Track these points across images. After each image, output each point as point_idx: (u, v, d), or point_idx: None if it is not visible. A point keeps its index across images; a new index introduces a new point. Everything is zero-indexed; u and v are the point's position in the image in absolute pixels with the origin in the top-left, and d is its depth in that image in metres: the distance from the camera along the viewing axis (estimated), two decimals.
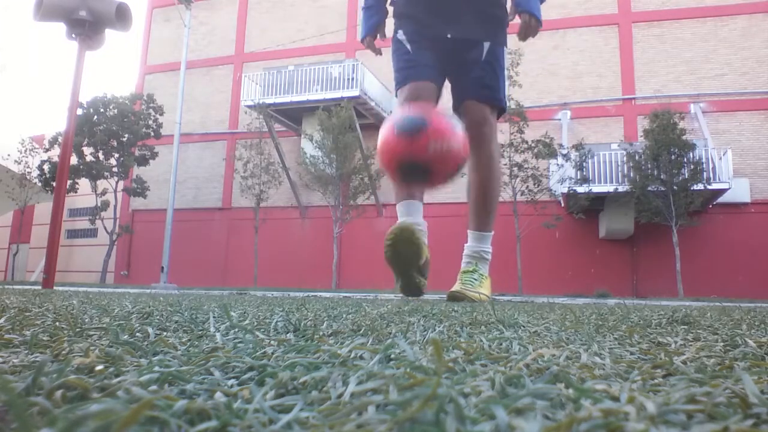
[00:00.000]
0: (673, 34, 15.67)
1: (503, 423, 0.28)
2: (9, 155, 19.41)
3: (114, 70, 75.44)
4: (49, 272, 5.03)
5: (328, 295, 3.98)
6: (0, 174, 18.94)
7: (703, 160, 12.95)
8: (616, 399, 0.36)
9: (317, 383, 0.41)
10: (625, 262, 14.78)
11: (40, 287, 4.64)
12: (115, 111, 17.33)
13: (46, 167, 17.79)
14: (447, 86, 3.22)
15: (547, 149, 13.45)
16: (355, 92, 15.26)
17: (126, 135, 17.31)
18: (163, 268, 14.86)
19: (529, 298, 5.15)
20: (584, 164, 13.48)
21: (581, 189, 13.37)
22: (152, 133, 17.76)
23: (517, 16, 3.06)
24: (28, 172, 19.34)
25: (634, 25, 15.96)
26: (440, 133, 2.20)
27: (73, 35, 5.13)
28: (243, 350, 0.57)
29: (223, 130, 19.27)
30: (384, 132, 2.28)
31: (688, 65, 15.40)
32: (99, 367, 0.46)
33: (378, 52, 3.38)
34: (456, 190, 13.17)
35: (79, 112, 16.17)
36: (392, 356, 0.54)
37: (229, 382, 0.43)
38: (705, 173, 12.86)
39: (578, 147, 13.53)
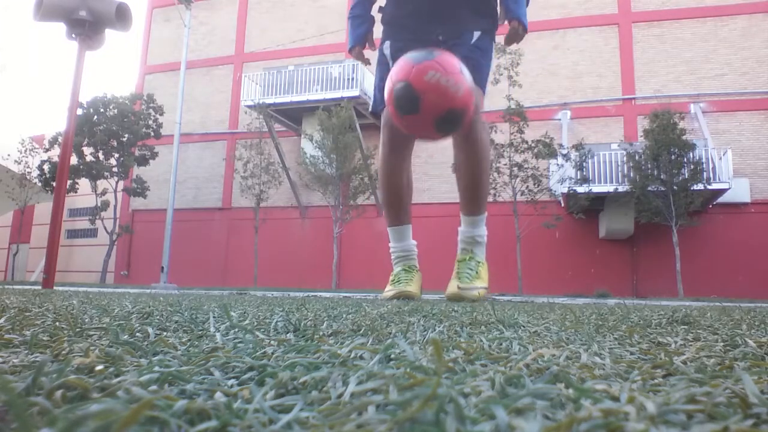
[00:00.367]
0: (673, 34, 15.67)
1: (503, 423, 0.28)
2: (9, 155, 19.41)
3: (114, 70, 75.45)
4: (49, 272, 5.03)
5: (328, 295, 3.98)
6: (0, 174, 18.94)
7: (703, 160, 12.94)
8: (616, 399, 0.36)
9: (317, 383, 0.41)
10: (625, 262, 14.78)
11: (40, 287, 4.64)
12: (115, 111, 17.32)
13: (46, 167, 17.79)
14: None
15: (547, 149, 13.44)
16: (355, 92, 15.25)
17: (126, 135, 17.31)
18: (163, 268, 14.86)
19: (529, 298, 5.15)
20: (584, 164, 13.48)
21: (581, 189, 13.37)
22: (152, 133, 17.76)
23: (506, 22, 3.14)
24: (28, 172, 19.34)
25: (634, 25, 15.96)
26: (443, 68, 2.24)
27: (73, 35, 5.13)
28: (243, 350, 0.57)
29: (223, 130, 19.27)
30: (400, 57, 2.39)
31: (688, 65, 15.40)
32: (99, 367, 0.46)
33: (367, 62, 3.35)
34: (454, 190, 13.12)
35: (79, 112, 16.17)
36: (392, 356, 0.54)
37: (229, 382, 0.43)
38: (705, 173, 12.85)
39: (578, 147, 13.52)
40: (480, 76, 3.06)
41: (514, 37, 3.11)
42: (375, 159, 15.05)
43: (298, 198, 17.24)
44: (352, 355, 0.54)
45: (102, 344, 0.61)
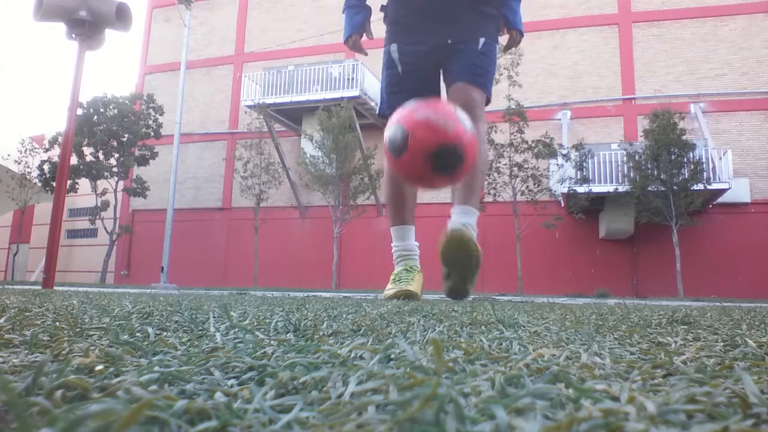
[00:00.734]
0: (673, 34, 15.67)
1: (503, 423, 0.28)
2: (9, 155, 19.42)
3: (114, 70, 75.43)
4: (49, 272, 5.03)
5: (328, 295, 3.98)
6: (0, 174, 18.95)
7: (703, 160, 12.94)
8: (616, 399, 0.36)
9: (317, 383, 0.41)
10: (625, 262, 14.78)
11: (40, 287, 4.64)
12: (115, 111, 17.33)
13: (46, 167, 17.80)
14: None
15: (547, 149, 13.44)
16: (355, 92, 15.25)
17: (126, 135, 17.32)
18: (163, 268, 14.86)
19: (529, 298, 5.15)
20: (584, 164, 13.48)
21: (581, 189, 13.37)
22: (152, 133, 17.76)
23: (505, 32, 3.28)
24: (28, 172, 19.34)
25: (634, 25, 15.96)
26: (433, 108, 2.24)
27: (73, 35, 5.14)
28: (243, 350, 0.57)
29: (223, 130, 19.27)
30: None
31: (688, 65, 15.40)
32: (99, 367, 0.46)
33: (364, 52, 3.28)
34: None
35: (79, 112, 16.17)
36: (392, 356, 0.54)
37: (229, 382, 0.43)
38: (705, 173, 12.85)
39: (578, 147, 13.52)
40: (486, 81, 3.12)
41: (512, 44, 3.31)
42: (375, 159, 15.07)
43: (298, 198, 17.24)
44: (352, 355, 0.54)
45: (102, 344, 0.61)
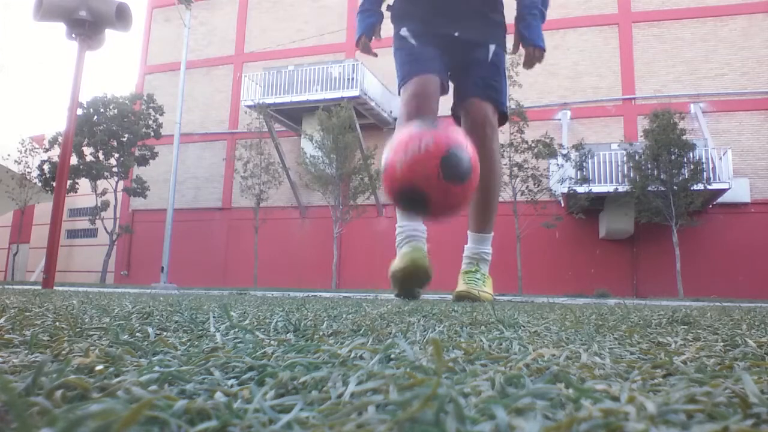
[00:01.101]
0: (673, 34, 15.67)
1: (503, 423, 0.28)
2: (9, 155, 19.43)
3: (114, 70, 75.43)
4: (49, 272, 5.03)
5: (328, 295, 3.98)
6: (0, 174, 18.95)
7: (703, 160, 12.94)
8: (616, 399, 0.36)
9: (317, 383, 0.41)
10: (625, 262, 14.78)
11: (40, 287, 4.64)
12: (115, 111, 17.33)
13: (46, 167, 17.80)
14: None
15: (547, 149, 13.44)
16: (355, 92, 15.25)
17: (126, 135, 17.32)
18: (163, 268, 14.86)
19: (529, 298, 5.15)
20: (584, 164, 13.48)
21: (581, 189, 13.37)
22: (152, 133, 17.76)
23: (521, 47, 3.13)
24: (28, 172, 19.34)
25: (634, 25, 15.96)
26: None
27: (73, 35, 5.14)
28: (243, 350, 0.57)
29: (223, 130, 19.27)
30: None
31: (688, 65, 15.40)
32: (99, 367, 0.46)
33: (374, 53, 3.27)
34: None
35: (79, 112, 16.17)
36: (392, 356, 0.54)
37: (229, 382, 0.43)
38: (705, 173, 12.85)
39: (578, 147, 13.52)
40: (499, 96, 3.04)
41: (532, 60, 3.13)
42: (375, 159, 15.06)
43: (298, 198, 17.23)
44: (352, 355, 0.54)
45: (102, 344, 0.61)
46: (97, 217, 17.53)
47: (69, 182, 14.07)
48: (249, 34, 19.64)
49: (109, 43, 6.70)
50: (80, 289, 4.71)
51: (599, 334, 0.87)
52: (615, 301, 4.34)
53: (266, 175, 16.31)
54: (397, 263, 2.83)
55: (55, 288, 4.65)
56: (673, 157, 12.89)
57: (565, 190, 13.63)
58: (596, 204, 14.09)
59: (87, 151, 17.33)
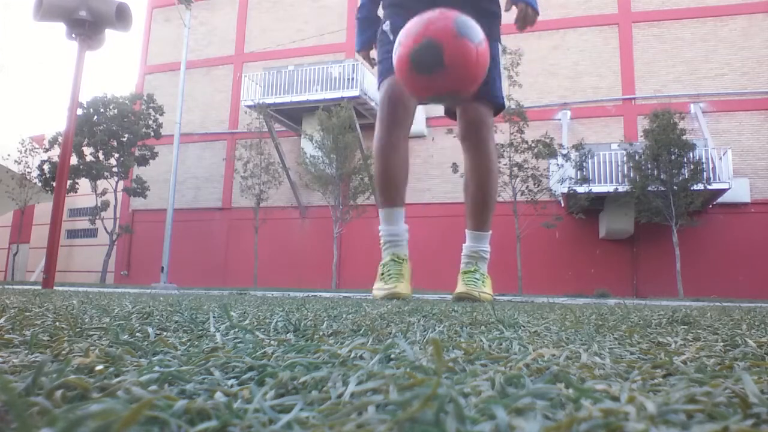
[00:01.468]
0: (673, 34, 15.67)
1: (503, 423, 0.28)
2: (9, 155, 19.43)
3: (114, 70, 75.43)
4: (49, 272, 5.03)
5: (328, 295, 3.98)
6: (0, 174, 18.95)
7: (703, 160, 12.94)
8: (616, 399, 0.36)
9: (317, 383, 0.41)
10: (625, 262, 14.78)
11: (40, 287, 4.64)
12: (115, 111, 17.33)
13: (46, 167, 17.80)
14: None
15: (547, 149, 13.44)
16: (355, 92, 15.26)
17: (126, 135, 17.32)
18: (163, 268, 14.86)
19: (529, 298, 5.15)
20: (584, 164, 13.48)
21: (581, 189, 13.37)
22: (152, 133, 17.77)
23: (513, 6, 2.98)
24: (28, 172, 19.35)
25: (634, 25, 15.96)
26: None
27: (73, 35, 5.14)
28: (243, 350, 0.57)
29: (223, 130, 19.27)
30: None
31: (688, 65, 15.40)
32: (99, 367, 0.46)
33: (374, 64, 3.27)
34: (455, 190, 13.19)
35: (79, 112, 16.17)
36: (392, 356, 0.54)
37: (229, 382, 0.43)
38: (705, 173, 12.85)
39: (578, 147, 13.52)
40: (493, 90, 2.98)
41: (524, 19, 2.95)
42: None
43: (298, 198, 17.24)
44: (352, 355, 0.54)
45: (102, 344, 0.61)
46: (97, 217, 17.53)
47: (69, 182, 14.07)
48: (249, 34, 19.64)
49: (109, 43, 6.70)
50: (80, 289, 4.71)
51: (599, 334, 0.87)
52: (615, 301, 4.34)
53: (266, 175, 16.31)
54: (377, 288, 2.90)
55: (55, 288, 4.65)
56: (673, 157, 12.89)
57: (565, 190, 13.64)
58: (596, 204, 14.09)
59: (87, 151, 17.33)
